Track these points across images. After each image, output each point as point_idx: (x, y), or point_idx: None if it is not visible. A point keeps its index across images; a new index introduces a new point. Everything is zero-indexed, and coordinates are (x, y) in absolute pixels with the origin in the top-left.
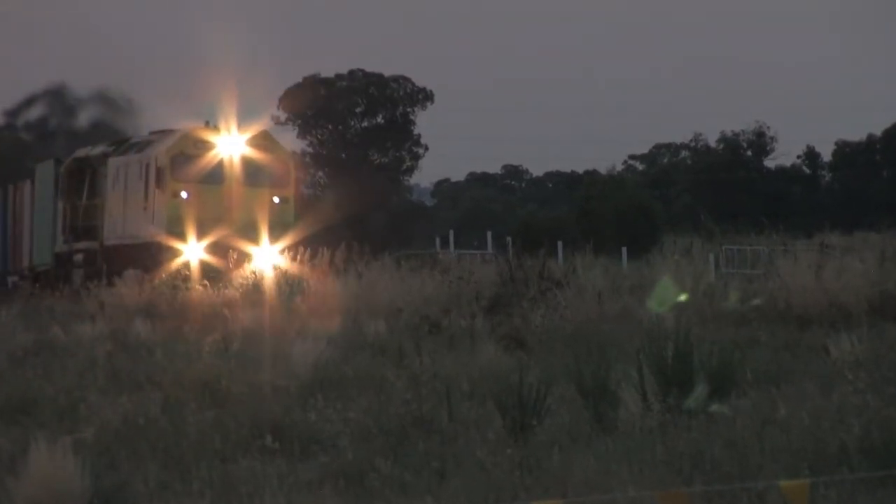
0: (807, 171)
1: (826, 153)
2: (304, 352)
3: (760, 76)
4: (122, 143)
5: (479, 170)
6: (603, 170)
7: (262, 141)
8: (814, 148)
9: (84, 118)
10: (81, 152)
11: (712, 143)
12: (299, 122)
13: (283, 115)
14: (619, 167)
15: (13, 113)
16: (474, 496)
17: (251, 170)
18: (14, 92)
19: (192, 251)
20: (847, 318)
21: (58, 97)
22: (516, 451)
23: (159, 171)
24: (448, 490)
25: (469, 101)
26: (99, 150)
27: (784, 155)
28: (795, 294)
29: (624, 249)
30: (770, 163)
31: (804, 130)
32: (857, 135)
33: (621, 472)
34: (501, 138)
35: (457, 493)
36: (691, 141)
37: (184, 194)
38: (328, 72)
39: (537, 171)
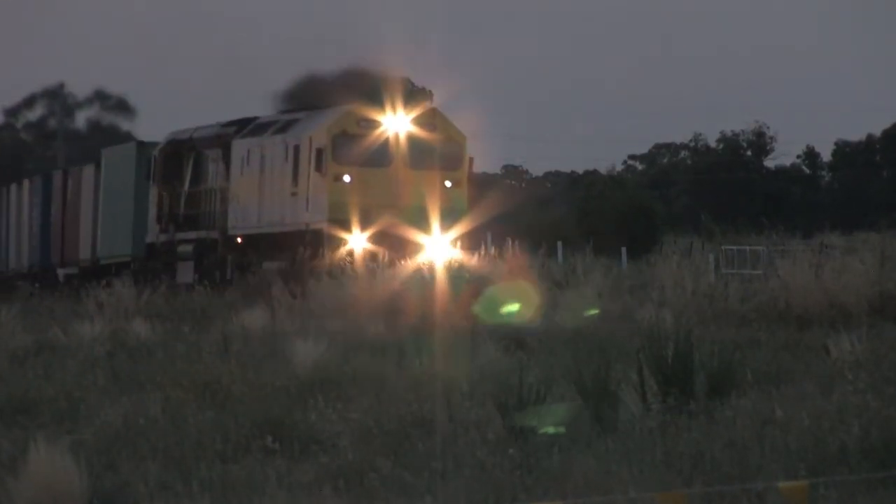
0: (806, 171)
1: (826, 153)
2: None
3: (760, 76)
4: (245, 123)
5: (479, 170)
6: (603, 170)
7: (431, 119)
8: (813, 148)
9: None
10: (179, 134)
11: (712, 143)
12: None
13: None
14: (619, 167)
15: (13, 113)
16: (474, 496)
17: (420, 151)
18: (14, 92)
19: (355, 240)
20: (847, 318)
21: (58, 97)
22: (516, 452)
23: (318, 153)
24: (448, 490)
25: (469, 101)
26: (208, 131)
27: (784, 155)
28: (795, 294)
29: (624, 249)
30: (770, 163)
31: (804, 130)
32: (856, 135)
33: (621, 473)
34: (501, 138)
35: (457, 493)
36: (691, 141)
37: (346, 178)
38: (328, 71)
39: (537, 171)
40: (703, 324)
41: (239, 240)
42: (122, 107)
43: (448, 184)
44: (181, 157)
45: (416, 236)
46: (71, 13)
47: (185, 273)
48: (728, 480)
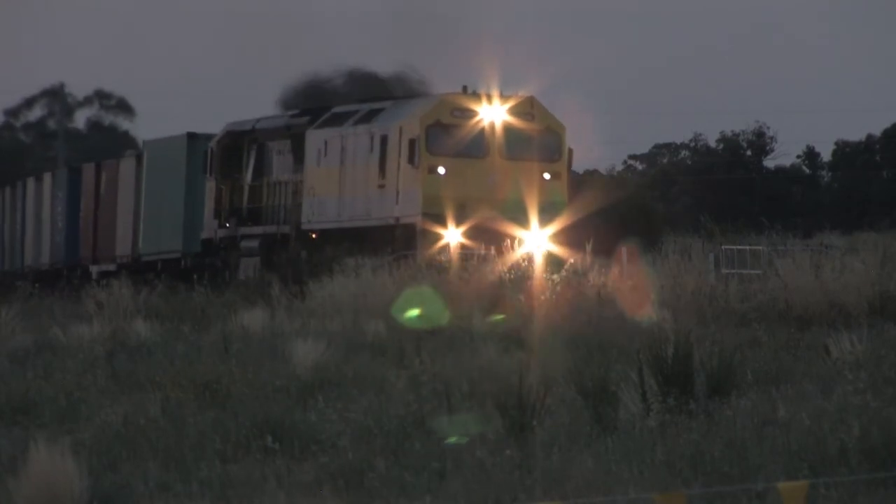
0: (806, 171)
1: (826, 153)
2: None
3: (760, 76)
4: (318, 113)
5: None
6: (603, 170)
7: (529, 108)
8: (813, 148)
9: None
10: (237, 125)
11: (712, 144)
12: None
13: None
14: (619, 167)
15: (13, 113)
16: (474, 496)
17: (517, 141)
18: (14, 92)
19: (450, 235)
20: (847, 318)
21: (58, 97)
22: (516, 452)
23: (411, 144)
24: (448, 490)
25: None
26: (273, 122)
27: (784, 155)
28: (795, 294)
29: (624, 250)
30: (770, 163)
31: (804, 130)
32: (856, 135)
33: (621, 473)
34: None
35: (457, 493)
36: (691, 141)
37: (441, 170)
38: (328, 71)
39: None
40: (703, 324)
41: (313, 235)
42: (122, 107)
43: (546, 176)
44: (240, 148)
45: (514, 231)
46: (71, 13)
47: (250, 269)
48: (728, 480)
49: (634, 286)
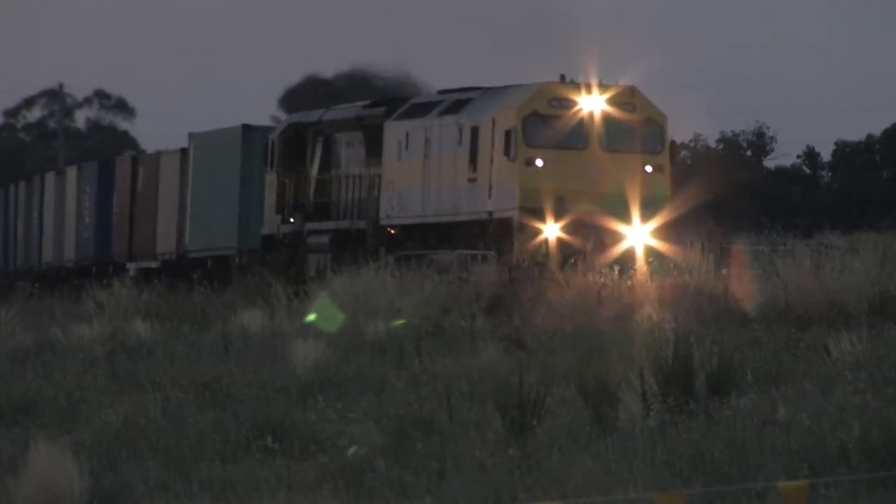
0: (807, 171)
1: (826, 153)
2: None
3: (761, 76)
4: (394, 104)
5: None
6: None
7: (630, 98)
8: (813, 148)
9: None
10: (302, 117)
11: (712, 144)
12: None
13: (283, 116)
14: None
15: (13, 113)
16: (474, 496)
17: (617, 132)
18: (14, 92)
19: (549, 230)
20: (847, 318)
21: (57, 97)
22: (516, 452)
23: (507, 135)
24: (448, 490)
25: None
26: (343, 113)
27: (784, 155)
28: (795, 294)
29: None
30: (770, 163)
31: (804, 130)
32: (856, 135)
33: (621, 473)
34: None
35: (457, 494)
36: (691, 141)
37: (538, 162)
38: (328, 71)
39: None
40: (703, 324)
41: (392, 230)
42: (122, 107)
43: (648, 168)
44: (304, 141)
45: (615, 226)
46: (71, 13)
47: (320, 266)
48: (728, 480)
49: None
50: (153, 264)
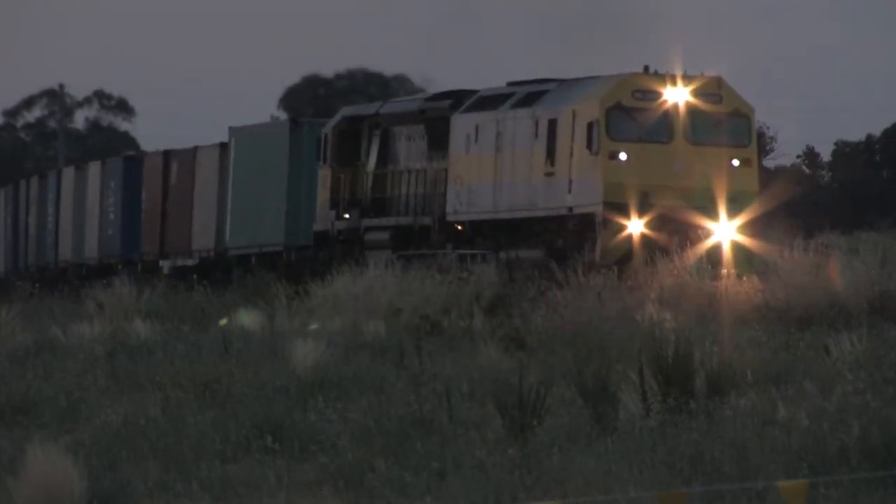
0: (807, 171)
1: (826, 153)
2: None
3: (761, 76)
4: (460, 96)
5: None
6: None
7: (716, 89)
8: (813, 148)
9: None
10: (357, 110)
11: None
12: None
13: (283, 116)
14: None
15: (13, 113)
16: (474, 496)
17: (703, 125)
18: (13, 93)
19: (633, 225)
20: (847, 318)
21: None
22: (516, 452)
23: (589, 128)
24: (448, 490)
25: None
26: (403, 106)
27: (784, 155)
28: (795, 294)
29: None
30: (770, 163)
31: (804, 130)
32: (856, 135)
33: (621, 473)
34: None
35: (457, 494)
36: None
37: (622, 156)
38: (328, 71)
39: None
40: (703, 324)
41: (459, 226)
42: (122, 107)
43: (735, 162)
44: (359, 134)
45: (701, 222)
46: (71, 13)
47: (380, 263)
48: (728, 480)
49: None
50: (189, 261)
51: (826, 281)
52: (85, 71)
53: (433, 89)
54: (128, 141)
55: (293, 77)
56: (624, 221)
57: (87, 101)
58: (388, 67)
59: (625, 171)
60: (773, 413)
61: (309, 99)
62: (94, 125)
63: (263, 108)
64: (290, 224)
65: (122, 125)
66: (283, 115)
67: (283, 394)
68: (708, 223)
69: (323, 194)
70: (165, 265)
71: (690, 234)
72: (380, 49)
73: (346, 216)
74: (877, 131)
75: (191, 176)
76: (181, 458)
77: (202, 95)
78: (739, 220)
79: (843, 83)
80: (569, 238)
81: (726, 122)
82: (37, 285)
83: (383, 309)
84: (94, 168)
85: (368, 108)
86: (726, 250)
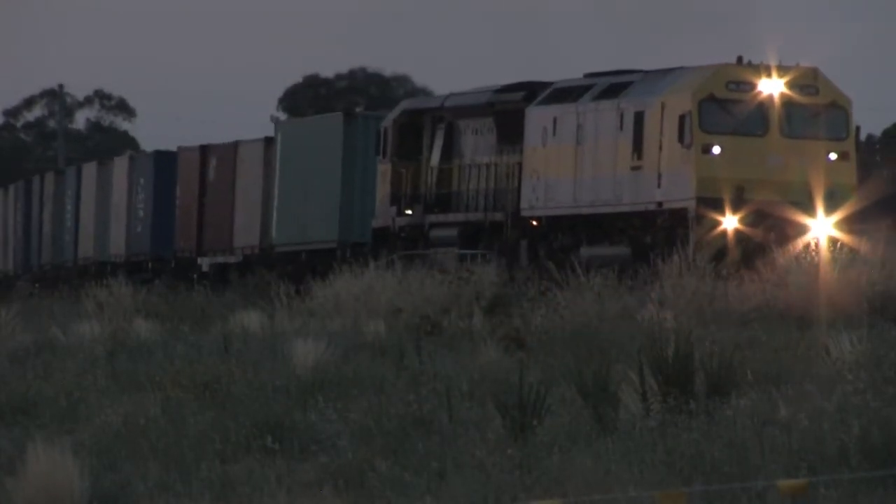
0: None
1: None
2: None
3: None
4: (533, 88)
5: None
6: None
7: (812, 80)
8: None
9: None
10: (418, 103)
11: None
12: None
13: (283, 116)
14: None
15: (13, 113)
16: (474, 496)
17: (799, 117)
18: (14, 93)
19: (727, 221)
20: (847, 318)
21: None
22: (516, 452)
23: (681, 120)
24: (448, 490)
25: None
26: (470, 98)
27: None
28: (795, 294)
29: None
30: None
31: None
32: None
33: (621, 473)
34: None
35: (457, 494)
36: None
37: (716, 149)
38: (328, 71)
39: None
40: (703, 324)
41: (535, 222)
42: (122, 107)
43: (832, 156)
44: (421, 128)
45: (798, 217)
46: (71, 13)
47: (446, 260)
48: (728, 480)
49: None
50: (231, 259)
51: (826, 281)
52: (85, 71)
53: (437, 90)
54: (128, 141)
55: (293, 77)
56: (718, 217)
57: (87, 101)
58: (388, 67)
59: (718, 164)
60: (773, 413)
61: (309, 99)
62: (95, 125)
63: (263, 108)
64: (344, 220)
65: (123, 125)
66: (282, 116)
67: (283, 394)
68: (805, 219)
69: (382, 189)
70: (204, 262)
71: (787, 231)
72: (380, 49)
73: (409, 212)
74: (877, 131)
75: (231, 171)
76: (181, 458)
77: (202, 95)
78: (837, 215)
79: (843, 83)
80: (657, 234)
81: (823, 114)
82: (37, 285)
83: (383, 309)
84: (120, 163)
85: (431, 102)
86: (824, 246)
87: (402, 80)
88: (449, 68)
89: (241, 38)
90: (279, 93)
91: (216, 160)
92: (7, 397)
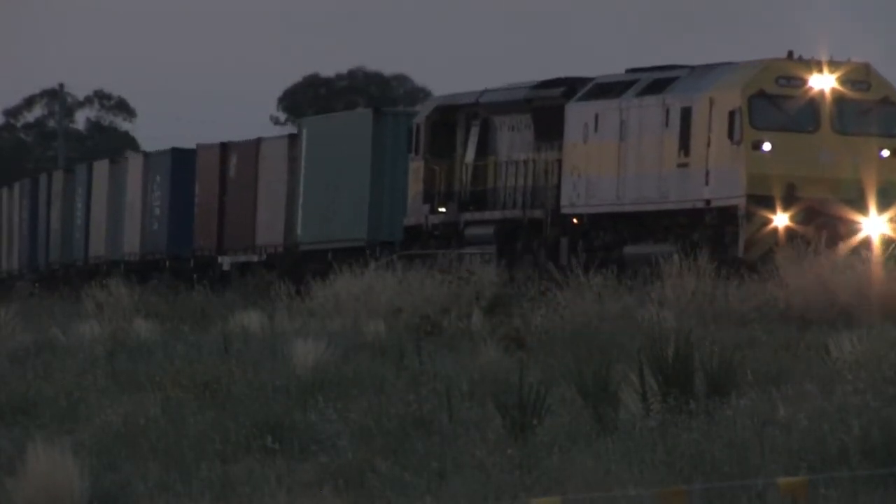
0: None
1: None
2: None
3: None
4: (572, 84)
5: None
6: None
7: (864, 76)
8: None
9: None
10: (452, 99)
11: None
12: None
13: (282, 116)
14: None
15: (13, 113)
16: (474, 496)
17: (851, 113)
18: (14, 93)
19: (778, 219)
20: (847, 318)
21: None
22: (516, 451)
23: (731, 116)
24: (448, 490)
25: None
26: (506, 94)
27: None
28: (795, 294)
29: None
30: None
31: None
32: None
33: (621, 472)
34: None
35: (457, 494)
36: None
37: (766, 146)
38: (328, 71)
39: None
40: (703, 324)
41: (576, 219)
42: (122, 107)
43: (885, 153)
44: (454, 124)
45: (850, 215)
46: (71, 13)
47: (485, 259)
48: (728, 480)
49: None
50: (254, 258)
51: (826, 281)
52: (85, 71)
53: (437, 90)
54: (128, 141)
55: (293, 77)
56: (769, 215)
57: (87, 100)
58: (388, 67)
59: (769, 161)
60: (773, 413)
61: (309, 99)
62: (95, 125)
63: (263, 108)
64: (373, 218)
65: (123, 125)
66: (282, 116)
67: (283, 394)
68: (857, 216)
69: (415, 187)
70: (225, 261)
71: (839, 228)
72: (380, 49)
73: (443, 210)
74: None
75: (253, 168)
76: (181, 458)
77: (202, 95)
78: (890, 212)
79: None
80: (705, 232)
81: (875, 110)
82: (37, 285)
83: (383, 309)
84: (134, 161)
85: (465, 98)
86: (876, 244)
87: (402, 80)
88: (449, 68)
89: (240, 38)
90: (279, 93)
91: (237, 157)
92: (7, 397)
